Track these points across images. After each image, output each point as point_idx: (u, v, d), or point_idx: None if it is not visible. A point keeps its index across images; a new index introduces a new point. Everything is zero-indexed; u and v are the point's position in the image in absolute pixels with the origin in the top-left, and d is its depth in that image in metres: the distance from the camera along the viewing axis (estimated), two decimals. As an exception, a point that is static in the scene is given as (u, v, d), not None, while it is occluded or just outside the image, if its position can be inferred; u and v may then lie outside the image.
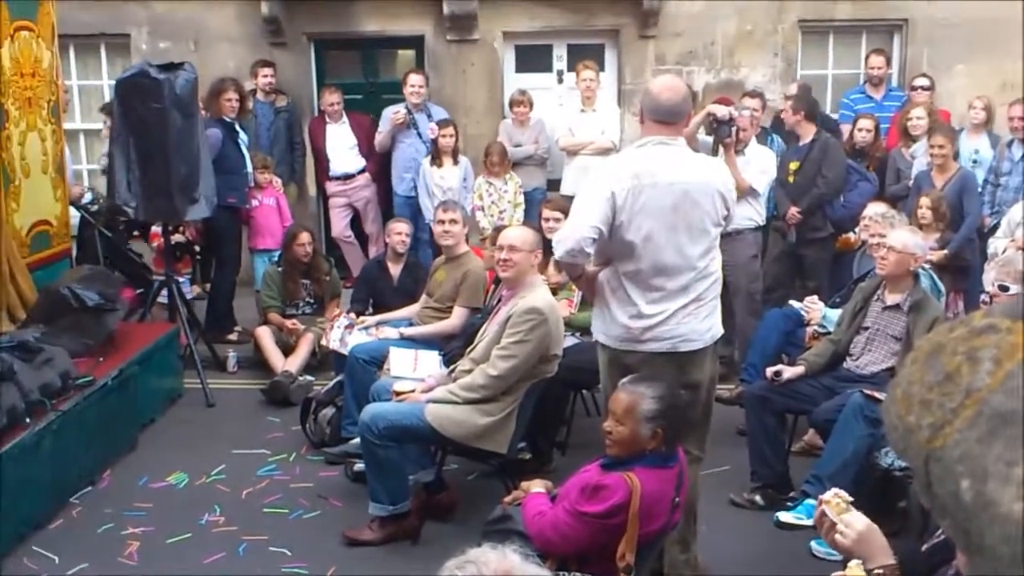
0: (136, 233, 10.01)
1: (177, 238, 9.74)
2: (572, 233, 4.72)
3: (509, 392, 5.66)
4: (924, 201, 8.22)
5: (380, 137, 10.67)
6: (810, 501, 5.95)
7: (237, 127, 9.65)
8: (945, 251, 8.11)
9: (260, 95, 10.77)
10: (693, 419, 4.10)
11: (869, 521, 3.03)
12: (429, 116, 10.49)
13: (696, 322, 4.88)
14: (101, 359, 7.15)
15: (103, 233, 9.39)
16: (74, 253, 9.63)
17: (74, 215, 9.71)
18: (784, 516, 6.08)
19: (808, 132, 8.86)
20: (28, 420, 5.99)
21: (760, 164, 8.15)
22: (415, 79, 10.58)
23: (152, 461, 7.12)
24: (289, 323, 8.85)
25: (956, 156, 8.86)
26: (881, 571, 2.88)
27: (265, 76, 10.84)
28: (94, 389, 6.74)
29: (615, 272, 4.87)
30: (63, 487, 6.40)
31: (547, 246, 5.93)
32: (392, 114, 10.50)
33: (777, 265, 9.01)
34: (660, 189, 4.71)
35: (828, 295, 7.72)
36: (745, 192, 7.62)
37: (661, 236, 4.74)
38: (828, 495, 3.11)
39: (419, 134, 10.44)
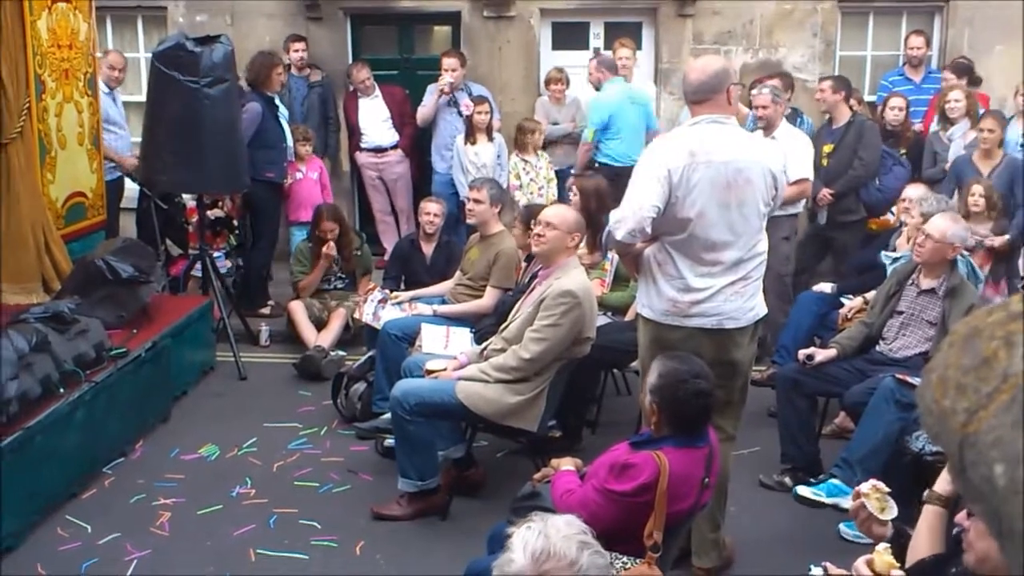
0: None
1: (216, 212, 9.77)
2: (633, 213, 4.70)
3: (540, 372, 5.65)
4: (977, 189, 7.92)
5: (424, 110, 10.62)
6: (835, 481, 5.94)
7: (277, 101, 9.66)
8: (1007, 237, 7.82)
9: (294, 70, 10.76)
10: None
11: None
12: (469, 94, 10.43)
13: (742, 301, 4.89)
14: (135, 331, 7.19)
15: (159, 206, 9.44)
16: (135, 225, 9.73)
17: (134, 188, 9.77)
18: (803, 490, 6.07)
19: (843, 115, 8.78)
20: (62, 390, 6.04)
21: (796, 148, 7.92)
22: (449, 62, 10.41)
23: (184, 433, 7.17)
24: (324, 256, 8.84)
25: (1001, 143, 8.68)
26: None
27: (297, 51, 10.80)
28: (127, 361, 6.79)
29: (662, 246, 4.86)
30: (96, 457, 6.46)
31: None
32: (436, 84, 10.48)
33: (804, 248, 8.94)
34: (714, 167, 4.71)
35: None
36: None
37: (714, 213, 4.73)
38: (866, 487, 3.06)
39: (459, 112, 10.36)
